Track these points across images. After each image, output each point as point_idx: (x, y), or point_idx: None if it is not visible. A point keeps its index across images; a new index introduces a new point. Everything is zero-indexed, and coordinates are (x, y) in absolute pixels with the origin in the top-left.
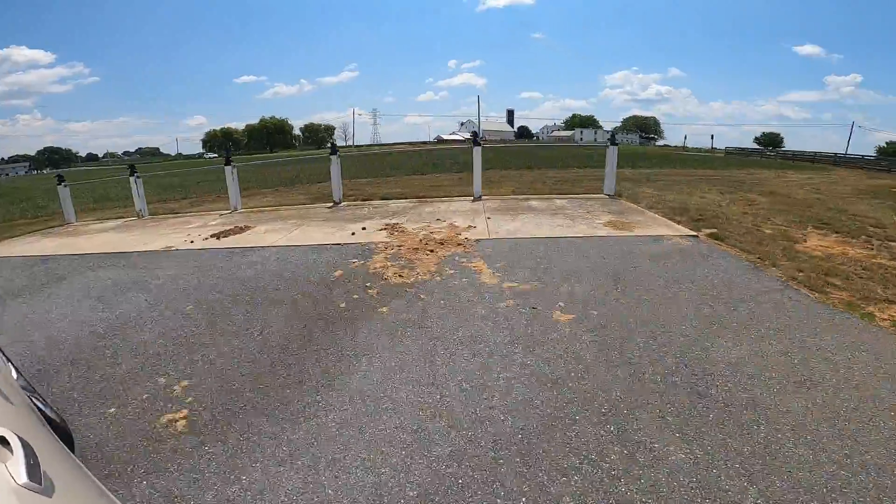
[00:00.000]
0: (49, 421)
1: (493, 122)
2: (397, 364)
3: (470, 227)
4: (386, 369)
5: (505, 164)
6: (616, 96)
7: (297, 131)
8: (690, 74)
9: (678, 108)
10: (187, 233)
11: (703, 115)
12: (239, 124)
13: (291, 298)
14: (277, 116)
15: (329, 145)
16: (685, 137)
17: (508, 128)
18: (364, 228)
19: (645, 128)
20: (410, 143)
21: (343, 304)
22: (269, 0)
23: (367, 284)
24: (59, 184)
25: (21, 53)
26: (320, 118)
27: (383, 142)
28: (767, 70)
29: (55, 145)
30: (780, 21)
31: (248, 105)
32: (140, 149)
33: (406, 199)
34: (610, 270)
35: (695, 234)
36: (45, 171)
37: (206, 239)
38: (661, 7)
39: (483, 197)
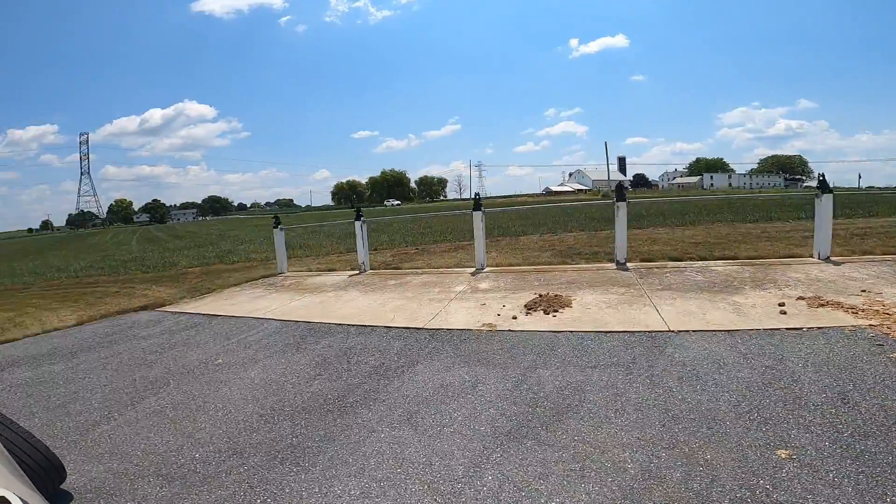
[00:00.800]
0: (40, 454)
1: (602, 170)
2: None
3: None
4: None
5: (663, 219)
6: (736, 136)
7: (412, 184)
8: (825, 105)
9: (815, 143)
10: (479, 301)
11: (847, 150)
12: (360, 177)
13: None
14: (396, 169)
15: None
16: (859, 176)
17: (622, 176)
18: (783, 305)
19: (789, 168)
20: (530, 195)
21: None
22: (383, 58)
23: None
24: (276, 227)
25: (193, 108)
26: (426, 171)
27: (491, 194)
28: None
29: (217, 195)
30: None
31: (364, 159)
32: (278, 200)
33: (703, 259)
34: None
35: None
36: (208, 218)
37: (529, 314)
38: (778, 34)
39: (832, 258)
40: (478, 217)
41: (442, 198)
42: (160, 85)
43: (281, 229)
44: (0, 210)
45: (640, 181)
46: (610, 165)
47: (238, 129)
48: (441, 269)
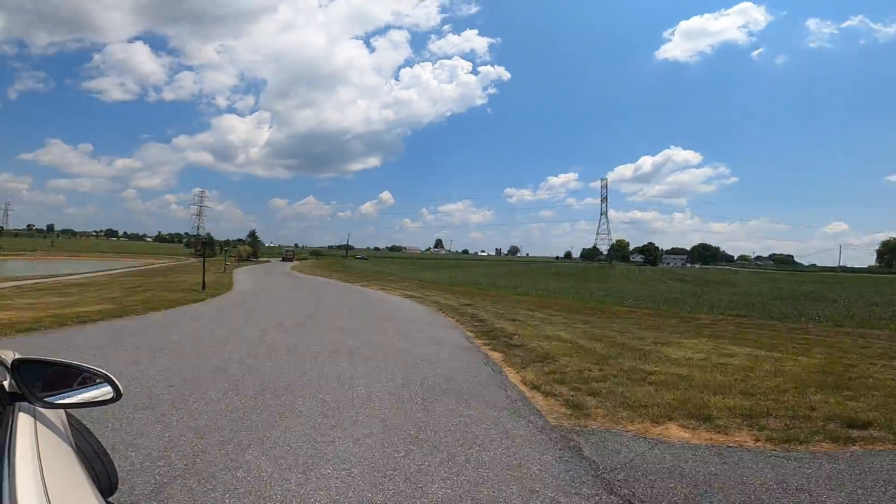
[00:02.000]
0: (105, 471)
1: None
2: None
3: None
4: None
5: None
6: None
7: None
8: None
9: None
10: None
11: None
12: None
13: None
14: None
15: None
16: None
17: None
18: None
19: None
20: None
21: None
22: None
23: None
24: None
25: (678, 154)
26: None
27: None
28: None
29: (703, 242)
30: None
31: None
32: (772, 255)
33: None
34: None
35: None
36: (695, 265)
37: None
38: None
39: None
40: None
41: None
42: (648, 134)
43: None
44: (540, 240)
45: None
46: None
47: (725, 174)
48: None
